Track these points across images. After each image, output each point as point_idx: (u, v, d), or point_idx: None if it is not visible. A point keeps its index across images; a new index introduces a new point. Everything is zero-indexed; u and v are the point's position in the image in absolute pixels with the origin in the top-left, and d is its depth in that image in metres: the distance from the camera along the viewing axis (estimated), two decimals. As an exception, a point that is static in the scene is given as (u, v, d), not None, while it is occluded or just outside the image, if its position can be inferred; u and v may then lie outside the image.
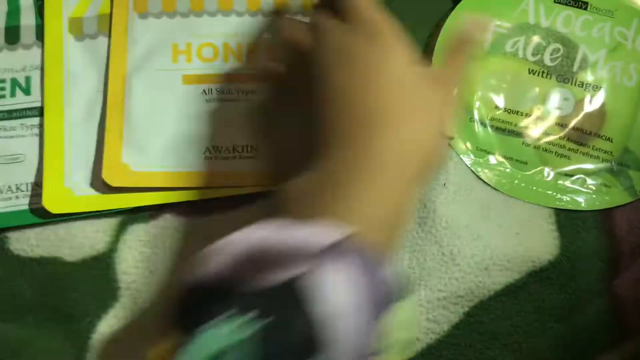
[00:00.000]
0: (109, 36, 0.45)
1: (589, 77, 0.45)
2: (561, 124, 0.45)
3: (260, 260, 0.28)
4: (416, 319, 0.39)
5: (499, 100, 0.45)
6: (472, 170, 0.43)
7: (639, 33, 0.45)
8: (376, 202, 0.31)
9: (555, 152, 0.44)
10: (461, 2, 0.45)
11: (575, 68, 0.45)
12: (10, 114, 0.43)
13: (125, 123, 0.43)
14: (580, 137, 0.44)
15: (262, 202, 0.41)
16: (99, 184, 0.42)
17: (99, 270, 0.40)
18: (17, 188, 0.42)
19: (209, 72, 0.44)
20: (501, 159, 0.44)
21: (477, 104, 0.45)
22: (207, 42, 0.45)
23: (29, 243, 0.41)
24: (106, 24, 0.45)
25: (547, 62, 0.45)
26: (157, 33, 0.45)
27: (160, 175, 0.42)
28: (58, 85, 0.44)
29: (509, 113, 0.45)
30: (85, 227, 0.41)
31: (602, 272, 0.41)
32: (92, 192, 0.42)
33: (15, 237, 0.41)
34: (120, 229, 0.41)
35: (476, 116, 0.44)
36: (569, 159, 0.44)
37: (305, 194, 0.32)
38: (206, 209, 0.42)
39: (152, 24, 0.45)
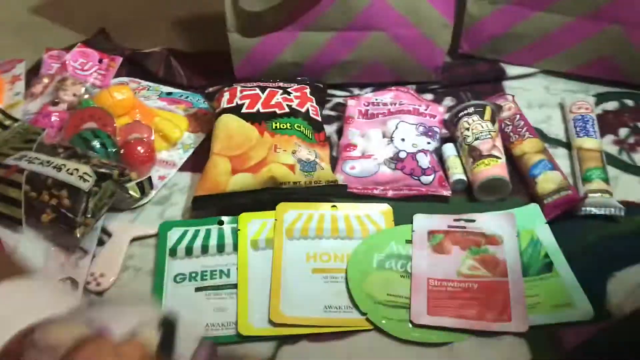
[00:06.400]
0: (273, 249, 0.84)
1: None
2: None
3: None
4: None
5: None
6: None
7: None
8: None
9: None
10: (361, 243, 0.84)
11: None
12: (221, 287, 0.81)
13: (282, 291, 0.79)
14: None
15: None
16: (267, 322, 0.77)
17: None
18: (222, 325, 0.77)
19: (325, 268, 0.82)
20: None
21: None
22: (325, 252, 0.84)
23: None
24: (271, 243, 0.85)
25: (409, 269, 0.81)
26: (298, 247, 0.84)
27: (300, 319, 0.77)
28: (245, 273, 0.82)
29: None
30: (259, 344, 0.75)
31: None
32: (264, 325, 0.76)
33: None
34: (278, 347, 0.75)
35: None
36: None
37: None
38: (325, 338, 0.76)
39: (295, 243, 0.85)
